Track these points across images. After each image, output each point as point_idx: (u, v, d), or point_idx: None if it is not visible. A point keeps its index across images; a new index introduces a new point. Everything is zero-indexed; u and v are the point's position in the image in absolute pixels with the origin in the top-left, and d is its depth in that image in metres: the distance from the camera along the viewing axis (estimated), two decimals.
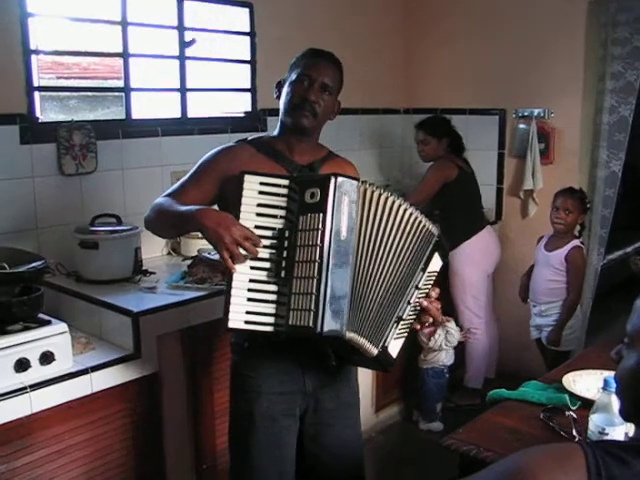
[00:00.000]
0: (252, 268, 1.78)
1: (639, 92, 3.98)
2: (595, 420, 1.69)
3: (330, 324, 1.71)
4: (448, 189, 3.92)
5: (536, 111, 4.24)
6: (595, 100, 4.11)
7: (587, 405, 1.92)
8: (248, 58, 3.77)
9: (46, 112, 3.50)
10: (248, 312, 1.77)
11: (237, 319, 1.76)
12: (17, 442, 2.17)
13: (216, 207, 2.07)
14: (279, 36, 3.80)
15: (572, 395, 2.04)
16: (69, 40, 3.23)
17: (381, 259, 1.83)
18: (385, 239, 1.84)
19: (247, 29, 3.74)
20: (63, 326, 2.34)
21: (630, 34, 3.92)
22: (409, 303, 1.87)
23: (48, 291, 2.80)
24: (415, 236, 1.87)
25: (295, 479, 2.12)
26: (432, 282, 1.94)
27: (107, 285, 2.83)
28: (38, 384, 2.20)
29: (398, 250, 1.85)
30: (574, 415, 1.90)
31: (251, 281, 1.78)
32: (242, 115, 3.83)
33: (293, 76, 2.04)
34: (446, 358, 3.80)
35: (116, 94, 3.59)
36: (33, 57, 2.92)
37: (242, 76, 3.79)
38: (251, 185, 1.81)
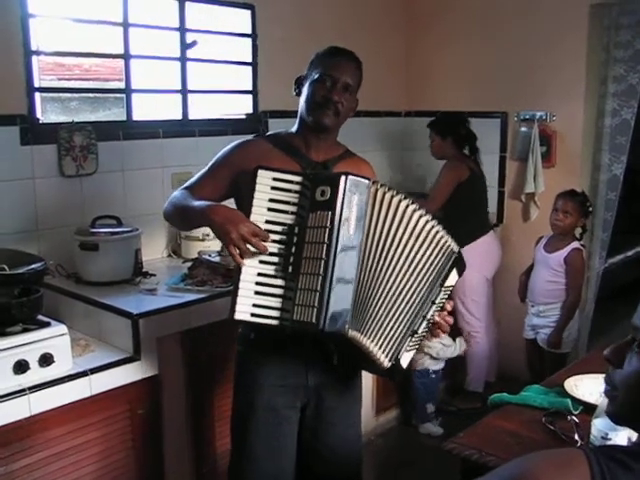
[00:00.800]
0: (261, 262, 1.80)
1: None
2: (598, 425, 1.68)
3: (332, 322, 1.72)
4: (458, 191, 3.90)
5: (538, 114, 4.21)
6: (597, 103, 4.09)
7: (589, 410, 1.91)
8: (249, 60, 3.77)
9: (47, 114, 3.49)
10: (255, 305, 1.79)
11: (244, 311, 1.78)
12: (16, 444, 2.16)
13: (231, 201, 2.10)
14: (280, 38, 3.79)
15: (574, 399, 2.02)
16: (70, 41, 3.22)
17: (391, 262, 1.83)
18: (397, 243, 1.84)
19: (249, 31, 3.73)
20: (62, 328, 2.33)
21: (632, 37, 3.91)
22: (424, 318, 1.90)
23: (48, 293, 2.79)
24: (435, 250, 1.88)
25: (295, 474, 2.14)
26: (447, 296, 1.95)
27: (107, 287, 2.82)
28: (37, 386, 2.20)
29: (415, 261, 1.85)
30: (576, 419, 1.88)
31: (259, 275, 1.80)
32: (243, 117, 3.82)
33: (315, 75, 2.05)
34: (433, 364, 3.80)
35: (117, 95, 3.59)
36: (34, 58, 2.91)
37: (243, 78, 3.78)
38: (264, 180, 1.82)
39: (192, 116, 3.54)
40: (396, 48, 4.77)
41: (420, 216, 1.86)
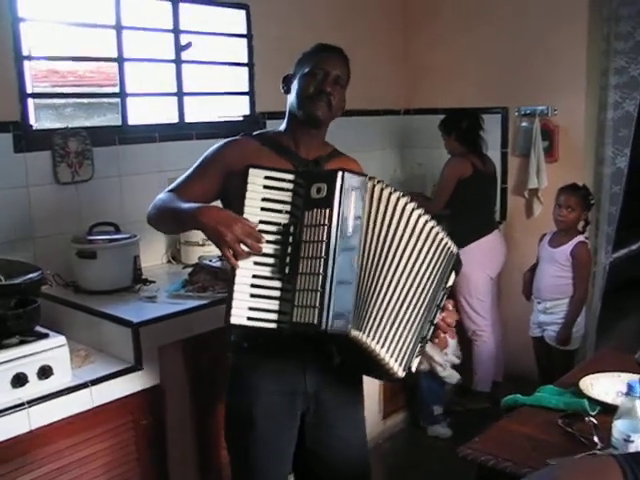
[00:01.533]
0: (256, 264, 1.75)
1: None
2: (619, 426, 1.62)
3: (334, 321, 1.68)
4: (461, 187, 3.87)
5: (539, 108, 4.16)
6: (599, 96, 4.05)
7: (607, 410, 1.85)
8: (245, 61, 3.71)
9: (41, 121, 3.44)
10: (251, 308, 1.73)
11: (239, 315, 1.72)
12: (17, 460, 2.10)
13: (219, 203, 2.04)
14: (277, 37, 3.74)
15: (591, 400, 1.96)
16: (63, 46, 3.15)
17: (392, 261, 1.80)
18: (397, 241, 1.80)
19: (244, 31, 3.68)
20: (61, 339, 2.27)
21: (633, 28, 3.87)
22: (432, 323, 1.89)
23: (46, 303, 2.73)
24: (437, 252, 1.86)
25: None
26: (446, 297, 1.94)
27: (106, 295, 2.76)
28: (36, 399, 2.14)
29: (418, 263, 1.82)
30: (594, 421, 1.82)
31: (254, 277, 1.75)
32: (241, 119, 3.76)
33: (306, 69, 2.00)
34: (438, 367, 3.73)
35: (112, 100, 3.53)
36: (26, 63, 2.85)
37: (240, 79, 3.72)
38: (256, 179, 1.77)
39: (188, 119, 3.49)
40: (394, 45, 4.71)
41: (419, 215, 1.83)
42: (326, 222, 1.70)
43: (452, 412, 3.92)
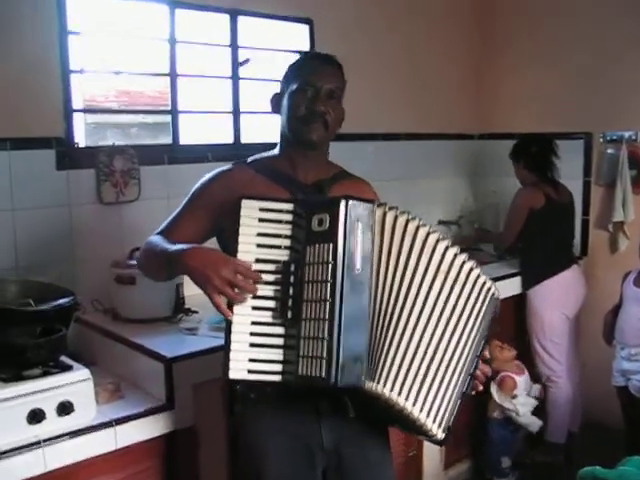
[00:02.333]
0: (254, 308, 1.57)
1: None
2: None
3: (345, 374, 1.49)
4: (533, 219, 3.60)
5: (627, 134, 3.85)
6: None
7: None
8: None
9: (107, 140, 3.34)
10: (251, 360, 1.55)
11: (239, 368, 1.55)
12: None
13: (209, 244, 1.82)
14: (341, 55, 3.48)
15: None
16: (115, 62, 3.04)
17: (414, 301, 1.58)
18: (418, 277, 1.59)
19: (307, 47, 3.51)
20: (85, 372, 2.08)
21: None
22: (472, 376, 1.68)
23: (82, 329, 2.61)
24: (475, 295, 1.65)
25: None
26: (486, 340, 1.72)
27: (144, 325, 2.58)
28: (54, 438, 1.95)
29: (452, 307, 1.62)
30: None
31: (253, 324, 1.57)
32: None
33: (294, 86, 1.80)
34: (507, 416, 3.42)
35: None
36: (74, 77, 2.73)
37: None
38: (249, 212, 1.59)
39: (245, 140, 3.32)
40: (468, 67, 4.47)
41: (446, 247, 1.61)
42: (330, 259, 1.50)
43: (521, 465, 3.57)
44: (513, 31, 4.34)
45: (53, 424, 1.98)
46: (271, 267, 1.58)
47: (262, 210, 1.59)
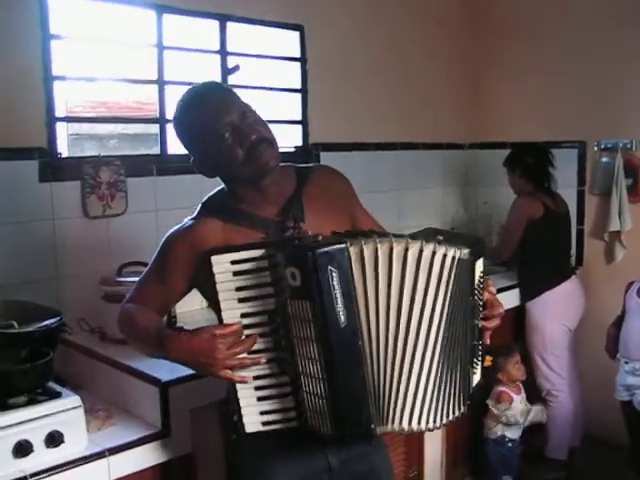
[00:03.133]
0: (253, 364, 1.52)
1: None
2: None
3: (354, 428, 1.47)
4: (532, 229, 3.52)
5: (622, 142, 3.78)
6: None
7: None
8: (299, 86, 3.43)
9: (85, 152, 3.20)
10: (262, 412, 1.55)
11: (253, 422, 1.55)
12: None
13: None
14: (333, 62, 3.47)
15: None
16: (99, 69, 2.89)
17: (407, 327, 1.47)
18: (417, 299, 1.46)
19: (297, 54, 3.41)
20: (75, 399, 1.94)
21: None
22: (478, 341, 1.59)
23: (68, 351, 2.46)
24: (448, 276, 1.47)
25: None
26: (482, 285, 1.60)
27: None
28: (42, 472, 1.80)
29: (436, 300, 1.48)
30: None
31: (256, 378, 1.53)
32: (292, 150, 3.45)
33: (209, 145, 1.60)
34: (509, 430, 3.34)
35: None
36: (58, 84, 2.58)
37: (292, 107, 3.42)
38: (222, 267, 1.49)
39: None
40: (461, 77, 4.40)
41: (420, 250, 1.44)
42: (310, 317, 1.42)
43: None
44: (506, 40, 4.27)
45: (41, 457, 1.84)
46: (258, 319, 1.51)
47: (234, 263, 1.49)
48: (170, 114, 2.91)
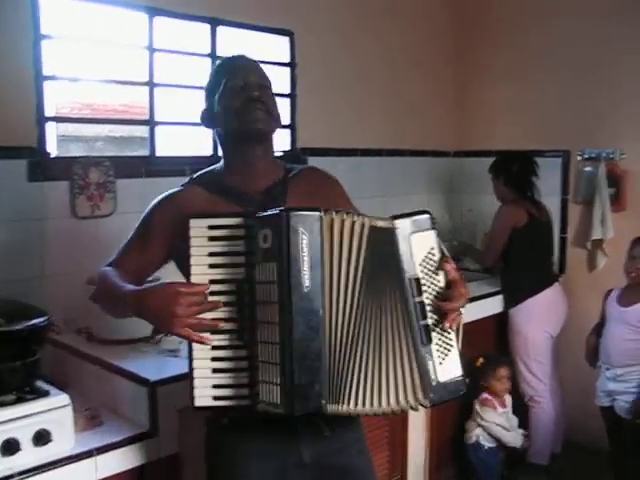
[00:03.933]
0: (213, 332, 1.48)
1: None
2: None
3: (301, 401, 1.43)
4: (516, 237, 3.56)
5: (605, 152, 3.83)
6: None
7: None
8: (288, 91, 3.45)
9: (70, 154, 3.18)
10: (215, 386, 1.50)
11: (204, 395, 1.50)
12: None
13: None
14: (322, 68, 3.49)
15: None
16: (89, 71, 2.89)
17: (369, 303, 1.51)
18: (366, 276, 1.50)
19: (287, 59, 3.43)
20: (64, 398, 1.94)
21: None
22: (424, 320, 1.54)
23: (55, 351, 2.46)
24: (369, 248, 1.50)
25: None
26: (436, 260, 1.57)
27: (122, 346, 2.44)
28: (29, 471, 1.80)
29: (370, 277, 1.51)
30: None
31: (214, 348, 1.50)
32: (281, 154, 3.46)
33: (220, 88, 1.73)
34: (484, 438, 3.38)
35: (145, 135, 3.23)
36: (46, 84, 2.58)
37: (281, 111, 3.41)
38: (199, 231, 1.50)
39: None
40: (447, 84, 4.45)
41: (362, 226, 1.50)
42: (275, 278, 1.43)
43: None
44: (491, 48, 4.32)
45: (29, 455, 1.84)
46: (225, 287, 1.50)
47: (211, 228, 1.50)
48: (160, 117, 2.92)
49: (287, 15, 3.37)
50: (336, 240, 1.47)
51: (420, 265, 1.54)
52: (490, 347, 3.61)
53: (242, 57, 1.80)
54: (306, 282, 1.43)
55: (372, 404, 1.52)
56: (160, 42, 2.90)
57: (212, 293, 1.49)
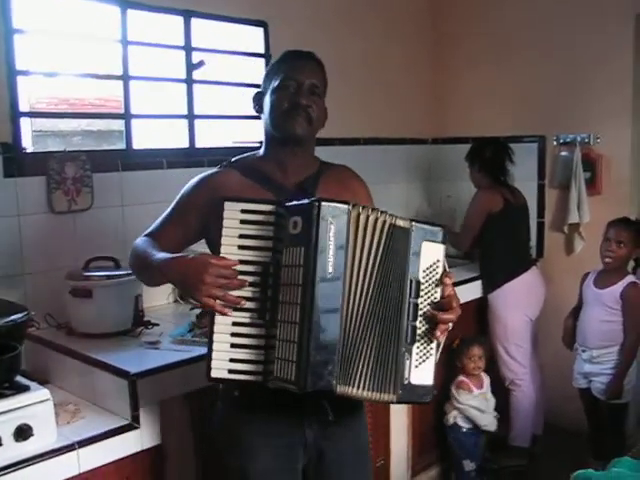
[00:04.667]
0: (235, 310, 1.57)
1: None
2: None
3: (314, 378, 1.49)
4: (491, 222, 3.57)
5: (580, 137, 3.85)
6: None
7: None
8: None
9: (48, 150, 3.16)
10: (232, 360, 1.57)
11: (220, 367, 1.57)
12: None
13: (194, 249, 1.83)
14: None
15: None
16: (64, 65, 2.88)
17: (377, 294, 1.59)
18: (382, 270, 1.59)
19: (262, 50, 3.41)
20: (44, 393, 1.94)
21: None
22: (414, 321, 1.61)
23: (34, 346, 2.46)
24: (388, 243, 1.58)
25: None
26: (439, 272, 1.64)
27: (102, 339, 2.45)
28: (11, 466, 1.81)
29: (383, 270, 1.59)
30: None
31: (235, 324, 1.58)
32: (257, 145, 3.44)
33: (276, 82, 1.81)
34: (461, 420, 3.41)
35: (122, 129, 3.24)
36: (20, 79, 2.57)
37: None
38: (232, 214, 1.59)
39: (200, 144, 3.20)
40: (422, 70, 4.45)
41: (384, 222, 1.58)
42: (301, 262, 1.51)
43: (487, 470, 3.54)
44: (465, 32, 4.32)
45: (10, 450, 1.84)
46: (252, 268, 1.57)
47: (244, 212, 1.58)
48: (135, 110, 2.92)
49: (261, 6, 3.35)
50: (360, 233, 1.55)
51: (424, 272, 1.62)
52: (470, 332, 3.63)
53: (307, 56, 1.85)
54: (329, 268, 1.50)
55: (373, 390, 1.58)
56: (134, 35, 2.88)
57: (239, 273, 1.56)
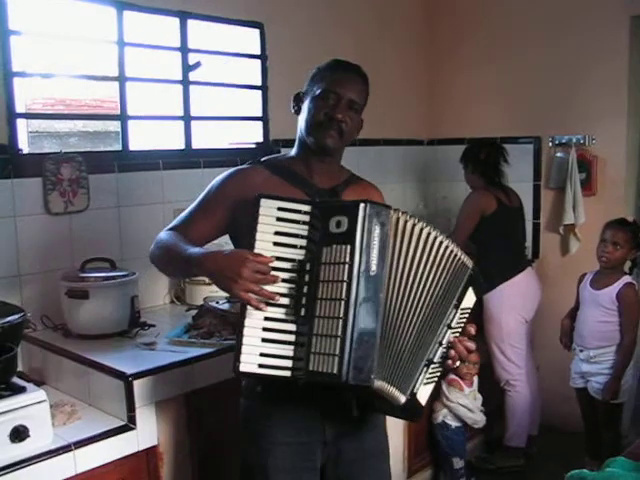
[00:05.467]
0: (268, 304, 1.58)
1: None
2: None
3: (356, 372, 1.52)
4: (485, 223, 3.57)
5: (575, 138, 3.87)
6: None
7: None
8: (259, 83, 3.44)
9: (44, 150, 3.17)
10: (262, 354, 1.57)
11: (250, 362, 1.57)
12: None
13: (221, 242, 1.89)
14: (293, 59, 3.47)
15: None
16: (60, 66, 2.89)
17: (414, 298, 1.65)
18: (419, 276, 1.65)
19: (258, 51, 3.42)
20: (40, 394, 1.94)
21: None
22: (440, 344, 1.69)
23: (31, 347, 2.47)
24: (448, 270, 1.69)
25: None
26: (465, 320, 1.75)
27: (99, 340, 2.46)
28: (7, 467, 1.81)
29: (431, 286, 1.67)
30: None
31: (266, 319, 1.59)
32: (253, 146, 3.47)
33: (317, 91, 1.84)
34: (450, 419, 3.40)
35: (119, 130, 3.24)
36: (16, 81, 2.57)
37: (253, 103, 3.44)
38: (268, 211, 1.60)
39: (196, 145, 3.20)
40: (418, 71, 4.46)
41: (441, 242, 1.68)
42: (347, 260, 1.54)
43: (482, 470, 3.55)
44: (460, 34, 4.34)
45: (6, 452, 1.85)
46: (287, 265, 1.60)
47: (280, 210, 1.60)
48: (132, 111, 2.92)
49: (257, 7, 3.36)
50: (399, 236, 1.60)
51: (461, 309, 1.71)
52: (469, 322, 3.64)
53: (353, 70, 1.88)
54: (373, 267, 1.55)
55: (398, 390, 1.60)
56: (130, 36, 2.89)
57: (273, 269, 1.58)
